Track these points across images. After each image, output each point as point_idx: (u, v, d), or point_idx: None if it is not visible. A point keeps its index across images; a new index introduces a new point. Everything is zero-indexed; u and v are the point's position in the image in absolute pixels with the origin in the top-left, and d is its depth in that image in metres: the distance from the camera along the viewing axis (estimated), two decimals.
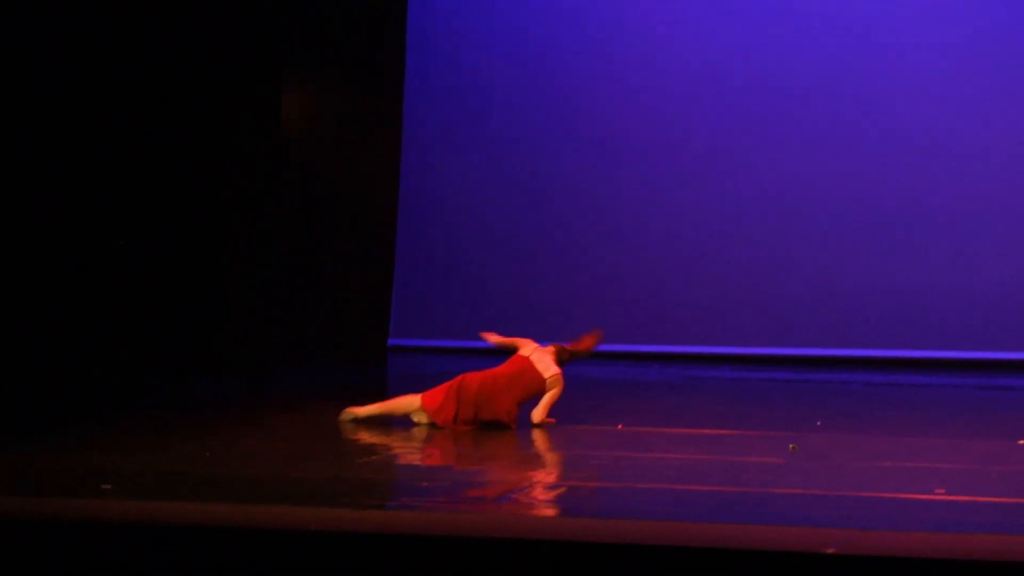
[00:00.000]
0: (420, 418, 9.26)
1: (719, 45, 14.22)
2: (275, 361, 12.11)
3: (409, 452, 8.48)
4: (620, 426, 9.20)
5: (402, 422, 9.34)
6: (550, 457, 8.39)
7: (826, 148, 13.97)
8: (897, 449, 8.26)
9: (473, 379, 9.21)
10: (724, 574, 5.24)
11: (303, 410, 10.08)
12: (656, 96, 14.37)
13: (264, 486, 6.89)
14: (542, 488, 7.25)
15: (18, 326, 10.52)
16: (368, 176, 13.83)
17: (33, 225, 10.67)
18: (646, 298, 14.32)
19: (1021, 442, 8.44)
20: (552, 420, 9.24)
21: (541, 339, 11.50)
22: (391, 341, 14.35)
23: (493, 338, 9.54)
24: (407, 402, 9.33)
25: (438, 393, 9.22)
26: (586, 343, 9.51)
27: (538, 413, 9.23)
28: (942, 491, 6.69)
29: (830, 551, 5.19)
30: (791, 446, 8.17)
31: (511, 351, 9.43)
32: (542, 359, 9.27)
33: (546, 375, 9.21)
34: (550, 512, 6.55)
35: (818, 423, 9.38)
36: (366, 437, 8.90)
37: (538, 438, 8.83)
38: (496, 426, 9.14)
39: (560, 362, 9.30)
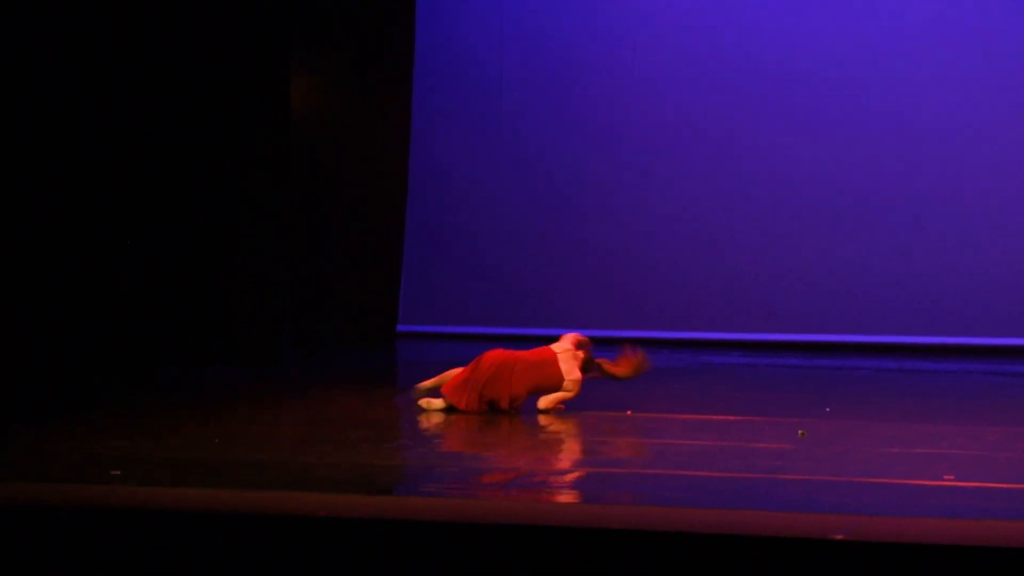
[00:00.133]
0: (435, 404, 9.25)
1: (729, 32, 14.20)
2: (284, 347, 12.11)
3: (419, 438, 8.48)
4: (629, 412, 9.19)
5: (413, 408, 9.34)
6: (560, 443, 8.39)
7: (837, 134, 13.95)
8: (906, 435, 8.25)
9: (494, 356, 9.19)
10: (733, 560, 5.24)
11: (312, 396, 10.09)
12: (668, 81, 14.35)
13: (273, 472, 6.90)
14: (551, 474, 7.25)
15: (27, 312, 10.53)
16: (377, 161, 13.82)
17: (39, 210, 10.68)
18: (657, 284, 14.32)
19: None
20: (562, 406, 9.23)
21: (562, 324, 11.52)
22: (400, 327, 14.35)
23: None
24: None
25: (460, 373, 9.22)
26: (623, 368, 9.36)
27: (546, 402, 9.22)
28: (951, 477, 6.69)
29: (838, 537, 5.19)
30: (800, 432, 8.17)
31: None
32: (568, 361, 9.21)
33: (566, 377, 9.17)
34: (559, 498, 6.56)
35: (827, 409, 9.37)
36: (375, 423, 8.90)
37: (547, 424, 8.83)
38: (497, 410, 9.13)
39: (584, 370, 9.26)
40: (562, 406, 9.21)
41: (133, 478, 6.58)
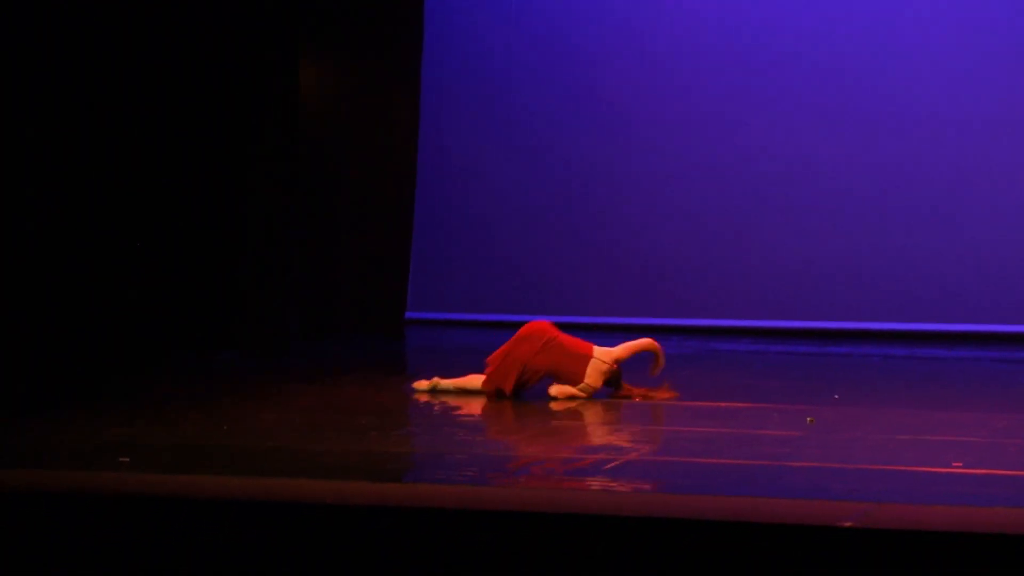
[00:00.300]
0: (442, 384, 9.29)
1: (737, 21, 14.17)
2: (292, 334, 12.12)
3: (427, 425, 8.49)
4: (637, 398, 9.19)
5: (421, 395, 9.34)
6: (568, 430, 8.39)
7: (848, 121, 13.92)
8: (915, 422, 8.25)
9: (536, 326, 9.22)
10: (741, 547, 5.24)
11: (320, 383, 10.10)
12: (676, 69, 14.33)
13: (281, 459, 6.91)
14: (559, 461, 7.26)
15: (36, 298, 10.54)
16: (385, 148, 13.82)
17: (48, 196, 10.69)
18: (665, 271, 14.30)
19: None
20: (572, 402, 9.21)
21: (571, 312, 11.52)
22: (408, 314, 14.35)
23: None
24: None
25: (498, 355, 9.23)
26: (656, 396, 9.30)
27: (558, 391, 9.21)
28: (960, 465, 6.69)
29: (847, 524, 5.19)
30: (808, 419, 8.17)
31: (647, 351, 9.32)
32: (597, 368, 9.17)
33: (586, 379, 9.15)
34: (568, 486, 6.56)
35: (836, 396, 9.37)
36: (384, 410, 8.91)
37: (556, 411, 8.83)
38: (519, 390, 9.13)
39: (607, 384, 9.23)
40: (572, 402, 9.19)
41: (141, 465, 6.60)
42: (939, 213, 13.69)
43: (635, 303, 14.24)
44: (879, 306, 13.82)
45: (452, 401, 9.09)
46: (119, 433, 7.58)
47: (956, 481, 6.39)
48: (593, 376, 9.13)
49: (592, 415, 8.73)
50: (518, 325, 9.48)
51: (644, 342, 9.29)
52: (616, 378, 9.20)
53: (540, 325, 9.30)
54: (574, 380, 9.14)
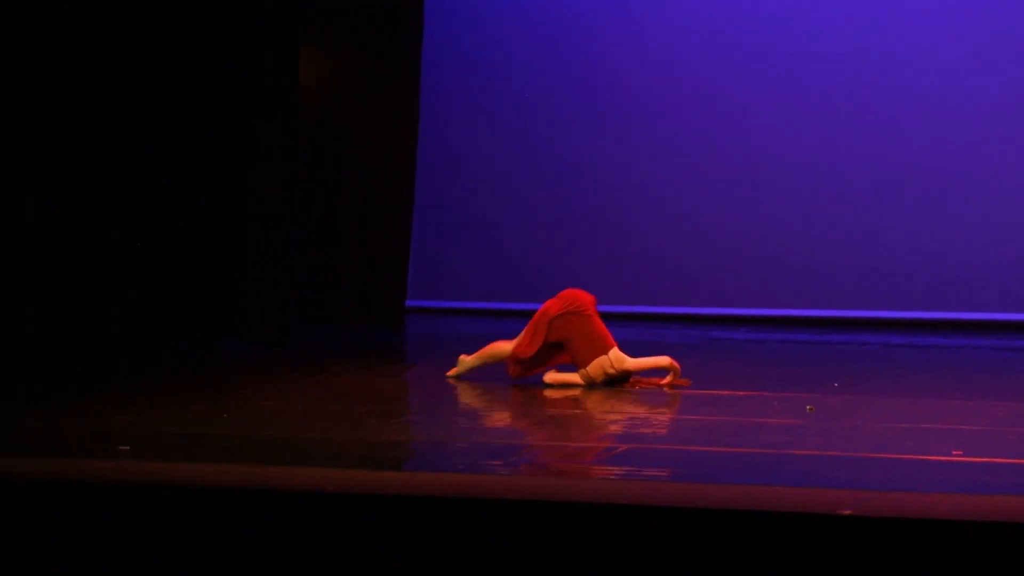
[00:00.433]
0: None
1: (738, 11, 14.15)
2: (292, 323, 12.12)
3: (427, 413, 8.49)
4: (637, 387, 9.20)
5: (421, 384, 9.35)
6: (567, 418, 8.40)
7: (848, 108, 13.90)
8: (914, 411, 8.25)
9: (583, 299, 9.25)
10: (740, 536, 5.25)
11: (321, 371, 10.10)
12: (676, 58, 14.31)
13: (281, 447, 6.91)
14: (558, 450, 7.26)
15: (37, 287, 10.54)
16: (386, 136, 13.80)
17: (49, 187, 10.68)
18: (665, 259, 14.29)
19: None
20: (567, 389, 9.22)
21: None
22: (409, 302, 14.35)
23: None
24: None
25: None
26: (659, 381, 9.28)
27: (553, 378, 9.23)
28: (959, 453, 6.69)
29: (846, 512, 5.19)
30: (808, 407, 8.17)
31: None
32: (604, 365, 9.16)
33: (589, 369, 9.15)
34: (567, 474, 6.56)
35: (836, 384, 9.38)
36: (384, 398, 8.92)
37: (555, 399, 8.83)
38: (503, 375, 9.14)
39: (606, 380, 9.22)
40: (569, 390, 9.19)
41: (142, 453, 6.60)
42: (939, 202, 13.68)
43: (636, 291, 14.23)
44: (879, 295, 13.82)
45: (452, 389, 9.09)
46: (120, 421, 7.58)
47: (956, 469, 6.39)
48: (596, 370, 9.14)
49: (593, 404, 8.73)
50: (518, 313, 9.50)
51: (663, 361, 9.25)
52: (618, 381, 9.20)
53: (582, 293, 9.34)
54: (579, 361, 9.15)
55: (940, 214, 13.65)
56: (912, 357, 11.99)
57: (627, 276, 14.25)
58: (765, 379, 9.85)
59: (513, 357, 9.18)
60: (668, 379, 9.18)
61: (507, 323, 9.49)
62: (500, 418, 8.46)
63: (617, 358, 9.15)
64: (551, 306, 9.25)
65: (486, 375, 9.40)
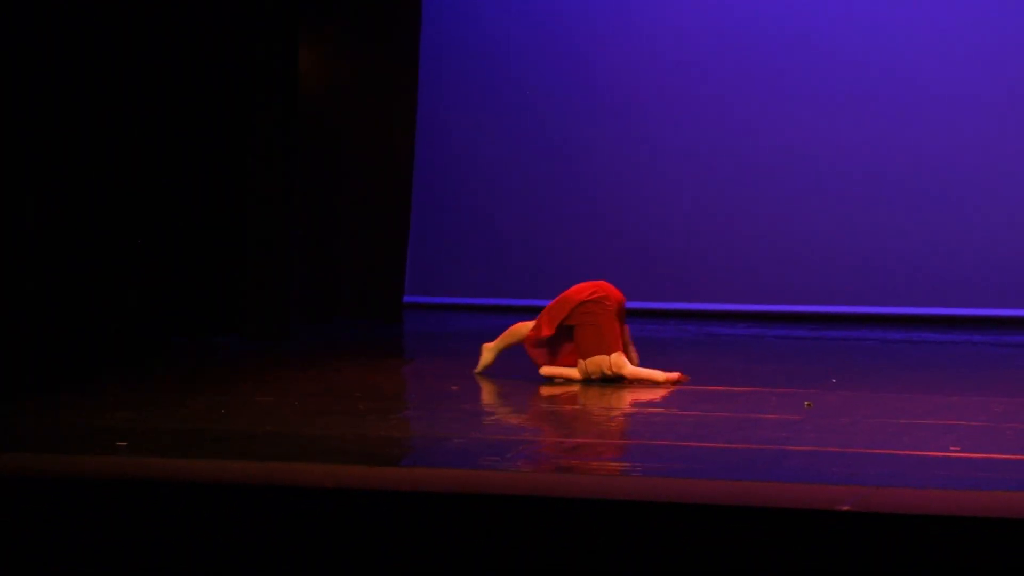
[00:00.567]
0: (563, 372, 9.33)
1: (740, 5, 14.15)
2: (291, 319, 12.12)
3: (425, 409, 8.49)
4: (634, 383, 9.19)
5: (420, 380, 9.35)
6: (564, 414, 8.40)
7: (845, 106, 13.90)
8: (912, 406, 8.26)
9: (607, 291, 9.26)
10: (737, 531, 5.25)
11: (319, 367, 10.10)
12: (677, 53, 14.31)
13: (280, 443, 6.91)
14: (555, 445, 7.27)
15: (35, 282, 10.53)
16: (384, 131, 13.80)
17: (47, 182, 10.68)
18: (663, 255, 14.29)
19: None
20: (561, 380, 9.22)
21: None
22: (407, 298, 14.35)
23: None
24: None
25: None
26: (659, 378, 9.28)
27: (550, 370, 9.25)
28: (957, 448, 6.69)
29: (844, 508, 5.20)
30: (806, 403, 8.18)
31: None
32: (603, 365, 9.16)
33: (588, 363, 9.16)
34: (562, 469, 6.57)
35: (833, 380, 9.38)
36: (382, 394, 8.92)
37: (552, 395, 8.84)
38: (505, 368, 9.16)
39: (602, 377, 9.22)
40: (568, 386, 9.19)
41: (139, 449, 6.60)
42: (937, 197, 13.68)
43: (633, 287, 14.20)
44: (877, 290, 13.82)
45: (450, 385, 9.09)
46: (118, 417, 7.58)
47: (954, 465, 6.39)
48: (594, 367, 9.15)
49: (591, 399, 8.73)
50: (515, 309, 9.51)
51: (659, 377, 9.22)
52: (614, 379, 9.20)
53: (615, 290, 9.37)
54: (582, 351, 9.16)
55: (938, 210, 13.66)
56: (910, 353, 11.99)
57: (625, 271, 14.21)
58: (763, 375, 9.85)
59: (532, 338, 9.23)
60: (664, 378, 9.18)
61: (505, 319, 9.49)
62: (498, 414, 8.46)
63: (617, 362, 9.16)
64: (582, 288, 9.30)
65: (486, 372, 9.42)
